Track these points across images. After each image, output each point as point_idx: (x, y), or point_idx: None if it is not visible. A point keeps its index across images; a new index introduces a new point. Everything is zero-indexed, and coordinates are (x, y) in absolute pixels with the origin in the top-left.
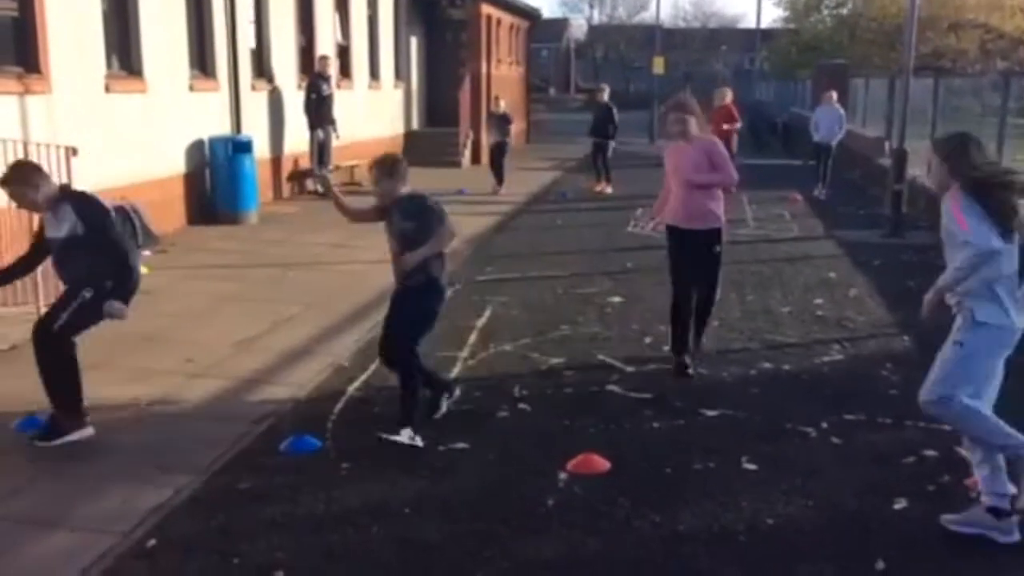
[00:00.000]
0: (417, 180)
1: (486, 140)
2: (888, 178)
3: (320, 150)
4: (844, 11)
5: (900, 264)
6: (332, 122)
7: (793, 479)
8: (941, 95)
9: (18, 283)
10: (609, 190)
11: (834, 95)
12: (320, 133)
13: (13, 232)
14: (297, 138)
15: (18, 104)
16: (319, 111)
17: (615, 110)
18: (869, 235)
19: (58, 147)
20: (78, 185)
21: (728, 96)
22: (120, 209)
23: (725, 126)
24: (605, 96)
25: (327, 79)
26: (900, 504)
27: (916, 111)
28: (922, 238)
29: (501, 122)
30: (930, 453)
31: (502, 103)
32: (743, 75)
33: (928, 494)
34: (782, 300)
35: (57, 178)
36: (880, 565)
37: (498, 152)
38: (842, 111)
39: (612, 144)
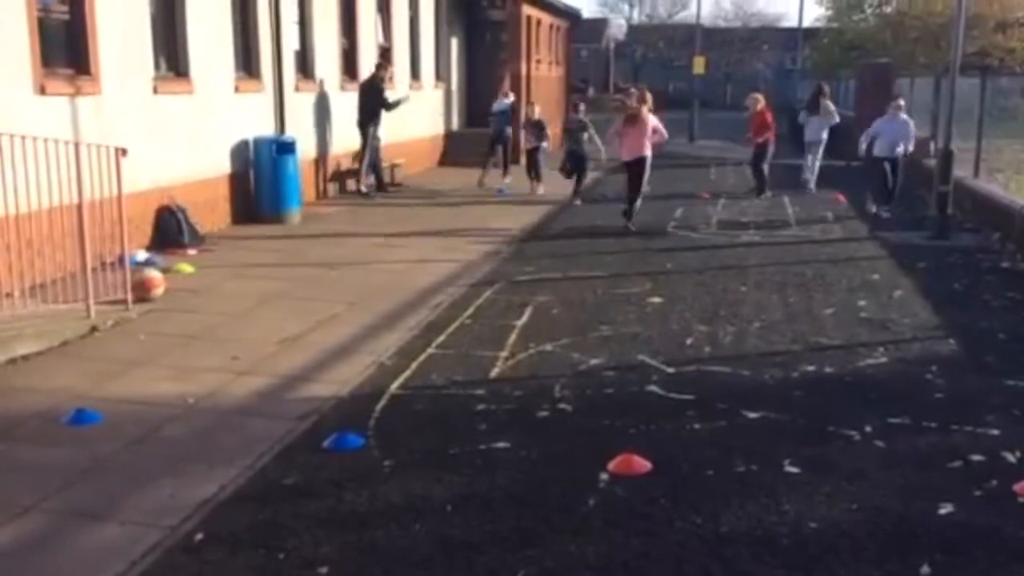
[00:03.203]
0: (456, 179)
1: (523, 144)
2: (934, 179)
3: (373, 151)
4: (888, 9)
5: (945, 266)
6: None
7: (837, 482)
8: (988, 94)
9: (68, 283)
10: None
11: (901, 103)
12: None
13: (43, 235)
14: (339, 139)
15: (69, 105)
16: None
17: None
18: (914, 236)
19: (108, 148)
20: (126, 185)
21: (760, 103)
22: (166, 209)
23: (759, 139)
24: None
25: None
26: (946, 509)
27: (962, 111)
28: (968, 240)
29: (536, 129)
30: (976, 458)
31: (536, 109)
32: (785, 75)
33: (974, 499)
34: (825, 302)
35: (106, 178)
36: (925, 570)
37: (532, 156)
38: (911, 123)
39: None
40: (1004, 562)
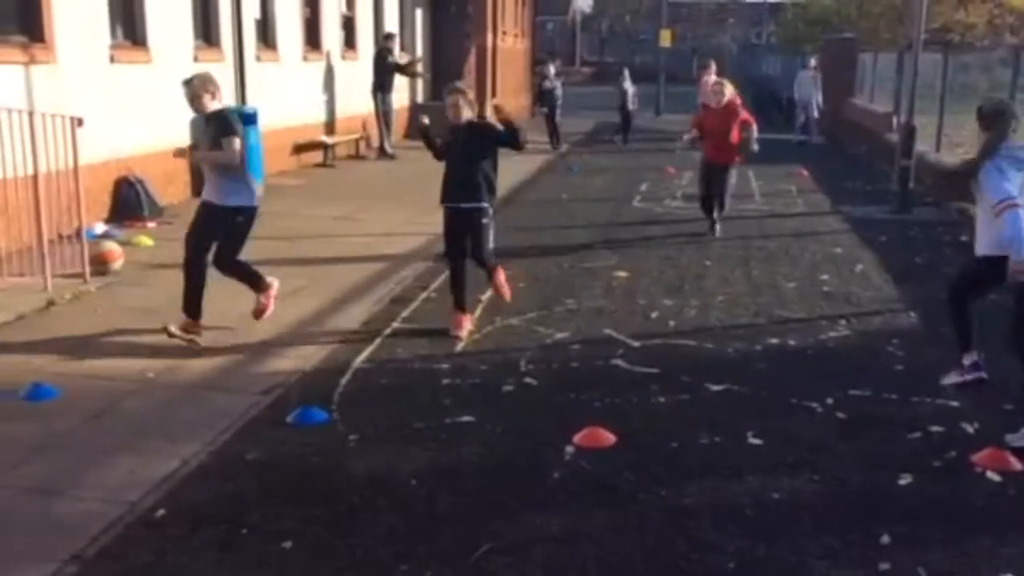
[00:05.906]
0: (419, 153)
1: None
2: (896, 153)
3: (386, 116)
4: None
5: (906, 240)
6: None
7: (798, 454)
8: (950, 70)
9: (25, 256)
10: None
11: None
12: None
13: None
14: (303, 109)
15: (23, 74)
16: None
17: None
18: (875, 211)
19: (63, 117)
20: (83, 156)
21: (728, 92)
22: (125, 180)
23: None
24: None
25: (392, 52)
26: (905, 480)
27: (924, 86)
28: (929, 214)
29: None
30: (936, 429)
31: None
32: (750, 49)
33: (933, 470)
34: (788, 275)
35: (62, 148)
36: (885, 540)
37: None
38: None
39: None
40: (962, 532)
